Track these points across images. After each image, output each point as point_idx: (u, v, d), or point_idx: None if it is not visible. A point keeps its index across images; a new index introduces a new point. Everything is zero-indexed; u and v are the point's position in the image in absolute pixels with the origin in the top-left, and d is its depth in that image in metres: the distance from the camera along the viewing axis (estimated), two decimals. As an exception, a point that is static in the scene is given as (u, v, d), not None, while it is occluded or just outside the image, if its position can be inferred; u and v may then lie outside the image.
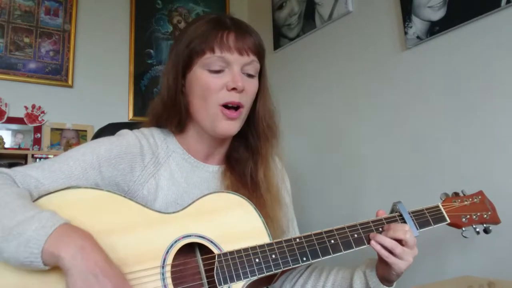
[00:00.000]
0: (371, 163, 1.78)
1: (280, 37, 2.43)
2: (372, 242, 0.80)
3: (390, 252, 0.79)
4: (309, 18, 2.21)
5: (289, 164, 1.07)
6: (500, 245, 1.26)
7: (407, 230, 0.79)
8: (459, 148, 1.44)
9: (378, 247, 0.79)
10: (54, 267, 0.62)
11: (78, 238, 0.62)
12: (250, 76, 0.87)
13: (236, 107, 0.85)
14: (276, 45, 2.43)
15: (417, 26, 1.60)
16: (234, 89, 0.83)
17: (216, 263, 0.72)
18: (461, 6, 1.45)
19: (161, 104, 0.90)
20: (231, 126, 0.85)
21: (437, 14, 1.53)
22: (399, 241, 0.79)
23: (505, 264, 1.25)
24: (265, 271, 0.74)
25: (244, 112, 0.87)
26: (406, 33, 1.64)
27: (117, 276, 0.62)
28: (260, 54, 0.89)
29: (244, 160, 0.94)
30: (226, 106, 0.84)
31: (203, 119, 0.86)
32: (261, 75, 0.91)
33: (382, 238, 0.79)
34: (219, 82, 0.83)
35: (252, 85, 0.87)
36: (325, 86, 2.07)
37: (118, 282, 0.61)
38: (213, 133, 0.86)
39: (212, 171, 0.93)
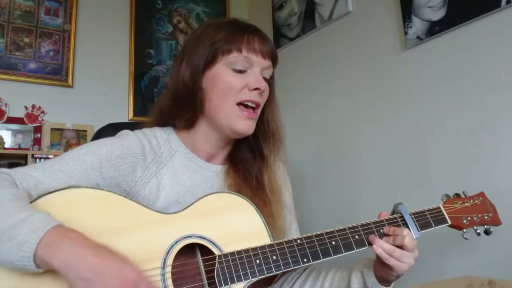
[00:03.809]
0: (371, 163, 1.78)
1: (280, 37, 2.43)
2: (374, 245, 0.80)
3: (390, 255, 0.79)
4: (309, 18, 2.21)
5: (289, 164, 1.08)
6: (500, 245, 1.26)
7: (406, 235, 0.79)
8: (459, 148, 1.43)
9: (379, 250, 0.79)
10: (48, 270, 0.62)
11: (67, 243, 0.61)
12: (265, 79, 0.90)
13: (253, 107, 0.88)
14: (276, 45, 2.42)
15: (417, 26, 1.60)
16: (256, 89, 0.86)
17: (216, 264, 0.72)
18: (461, 6, 1.45)
19: (171, 100, 0.90)
20: (249, 126, 0.88)
21: (437, 14, 1.53)
22: (399, 247, 0.79)
23: (505, 264, 1.25)
24: (265, 272, 0.73)
25: (259, 112, 0.90)
26: (406, 33, 1.63)
27: (116, 267, 0.61)
28: (274, 60, 0.93)
29: (249, 160, 0.95)
30: (244, 105, 0.86)
31: (221, 117, 0.87)
32: (271, 80, 0.94)
33: (381, 243, 0.80)
34: (242, 82, 0.86)
35: (267, 88, 0.91)
36: (325, 86, 2.07)
37: (119, 273, 0.61)
38: (230, 131, 0.88)
39: (216, 170, 0.93)
